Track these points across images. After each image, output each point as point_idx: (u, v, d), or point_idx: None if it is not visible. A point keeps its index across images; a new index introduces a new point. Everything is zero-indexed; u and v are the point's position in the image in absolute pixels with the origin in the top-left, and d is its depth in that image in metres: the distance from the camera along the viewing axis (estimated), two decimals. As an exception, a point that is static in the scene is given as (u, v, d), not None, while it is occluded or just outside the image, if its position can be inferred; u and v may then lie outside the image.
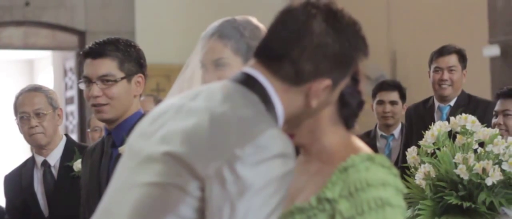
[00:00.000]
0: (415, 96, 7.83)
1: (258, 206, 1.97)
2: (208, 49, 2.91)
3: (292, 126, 2.30)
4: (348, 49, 2.18)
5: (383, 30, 9.68)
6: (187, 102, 2.17)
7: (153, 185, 2.06)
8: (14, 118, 4.58)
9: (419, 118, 5.92)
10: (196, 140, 2.04)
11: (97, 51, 3.48)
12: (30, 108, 4.48)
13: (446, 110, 5.90)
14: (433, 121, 4.79)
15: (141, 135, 2.21)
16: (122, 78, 3.49)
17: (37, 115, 4.47)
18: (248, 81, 2.14)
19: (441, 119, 5.66)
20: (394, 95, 6.64)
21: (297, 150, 2.53)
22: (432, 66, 6.00)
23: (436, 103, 6.01)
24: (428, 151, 4.21)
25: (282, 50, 2.14)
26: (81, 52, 3.56)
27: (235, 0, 10.51)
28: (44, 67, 12.69)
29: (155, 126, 2.17)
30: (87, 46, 3.52)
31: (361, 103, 2.46)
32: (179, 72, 3.30)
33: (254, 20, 3.01)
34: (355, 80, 2.44)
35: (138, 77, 3.55)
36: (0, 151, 12.50)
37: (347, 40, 2.17)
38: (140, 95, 3.63)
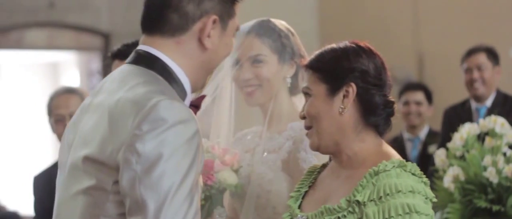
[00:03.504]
0: (443, 98, 7.77)
1: (170, 173, 2.01)
2: (246, 46, 2.97)
3: (202, 84, 2.31)
4: None
5: (410, 31, 9.62)
6: (93, 99, 2.23)
7: (82, 193, 2.13)
8: (48, 119, 4.58)
9: (458, 120, 5.88)
10: (101, 136, 2.10)
11: (126, 53, 3.47)
12: (65, 111, 4.47)
13: (483, 111, 5.86)
14: (471, 122, 4.74)
15: (65, 144, 2.28)
16: (150, 80, 3.48)
17: None
18: (141, 59, 2.20)
19: (478, 120, 5.62)
20: (420, 96, 6.65)
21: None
22: (463, 67, 5.97)
23: (473, 105, 5.97)
24: (457, 154, 4.18)
25: (162, 3, 2.20)
26: (109, 54, 3.56)
27: (259, 3, 10.50)
28: (69, 70, 12.75)
29: (73, 132, 2.24)
30: (115, 48, 3.52)
31: (390, 110, 2.46)
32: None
33: (286, 24, 3.06)
34: (378, 87, 2.44)
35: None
36: (27, 152, 12.56)
37: None
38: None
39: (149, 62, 2.20)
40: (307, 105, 2.48)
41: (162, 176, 2.00)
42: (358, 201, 2.32)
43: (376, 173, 2.33)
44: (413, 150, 6.56)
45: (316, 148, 2.47)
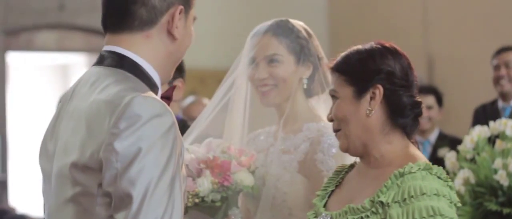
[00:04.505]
0: (453, 101, 7.76)
1: (149, 168, 2.03)
2: (262, 45, 2.97)
3: (170, 75, 2.32)
4: None
5: (420, 34, 9.62)
6: (66, 106, 2.25)
7: (70, 201, 2.15)
8: None
9: (486, 118, 5.86)
10: (80, 141, 2.12)
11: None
12: None
13: (508, 111, 5.84)
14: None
15: (45, 154, 2.30)
16: (162, 83, 3.50)
17: None
18: (109, 60, 2.22)
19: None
20: (430, 100, 6.61)
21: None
22: (492, 65, 5.97)
23: (500, 104, 5.96)
24: (467, 157, 4.18)
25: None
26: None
27: (270, 4, 10.51)
28: (79, 71, 12.76)
29: (52, 141, 2.25)
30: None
31: (418, 110, 2.46)
32: (213, 76, 3.31)
33: (304, 25, 3.06)
34: (405, 88, 2.44)
35: (178, 82, 3.57)
36: (37, 154, 12.58)
37: None
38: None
39: (117, 61, 2.22)
40: (334, 108, 2.48)
41: (142, 170, 2.03)
42: (382, 202, 2.32)
43: (401, 175, 2.33)
44: (423, 153, 6.53)
45: (345, 150, 2.48)
